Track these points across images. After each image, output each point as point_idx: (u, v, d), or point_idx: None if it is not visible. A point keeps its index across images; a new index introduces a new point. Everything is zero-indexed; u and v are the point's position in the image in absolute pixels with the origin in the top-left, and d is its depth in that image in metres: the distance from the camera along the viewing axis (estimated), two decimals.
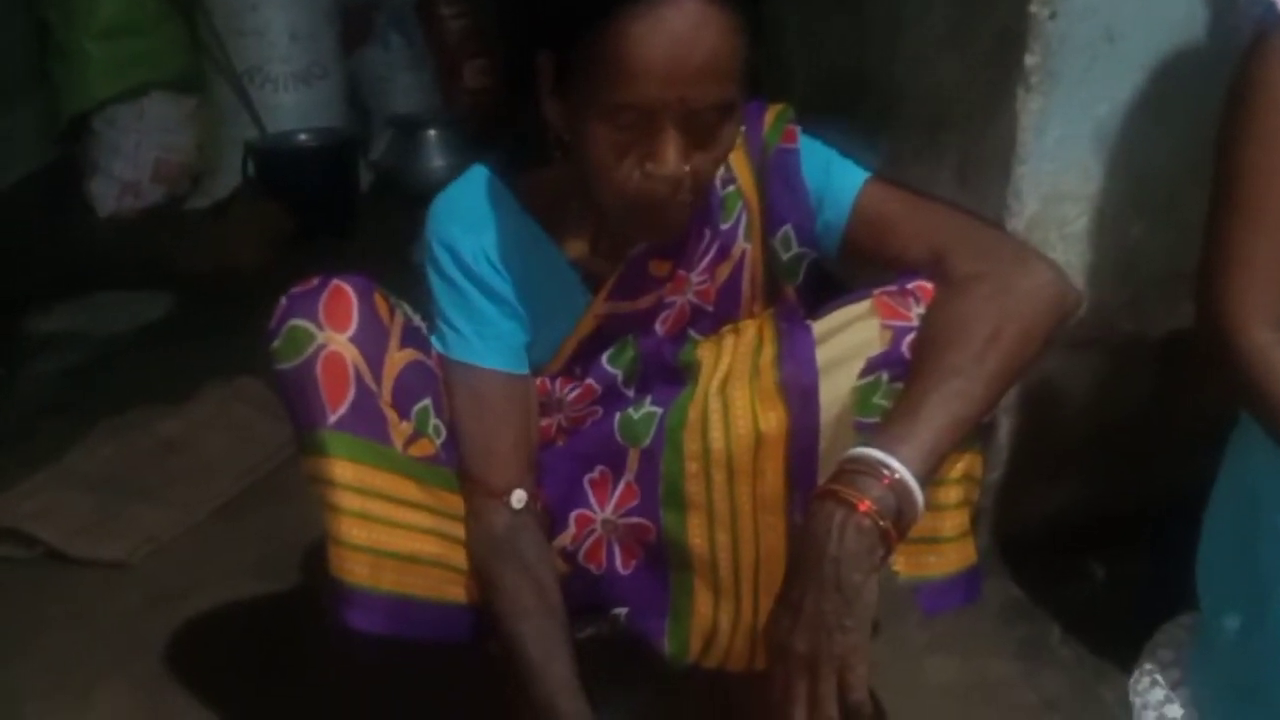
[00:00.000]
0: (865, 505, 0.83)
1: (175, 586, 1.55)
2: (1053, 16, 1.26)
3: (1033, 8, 1.26)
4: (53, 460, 1.85)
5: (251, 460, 1.81)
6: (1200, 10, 1.31)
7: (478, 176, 1.07)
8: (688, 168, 0.90)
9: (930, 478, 0.87)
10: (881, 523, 0.83)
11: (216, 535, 1.68)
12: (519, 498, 1.03)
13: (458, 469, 1.04)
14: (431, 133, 3.46)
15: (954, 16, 1.40)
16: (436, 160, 3.42)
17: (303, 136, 3.26)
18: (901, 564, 0.98)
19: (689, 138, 0.89)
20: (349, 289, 0.98)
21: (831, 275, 1.14)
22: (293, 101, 3.37)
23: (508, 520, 1.03)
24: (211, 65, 3.36)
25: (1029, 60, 1.28)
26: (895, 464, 0.84)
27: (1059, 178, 1.35)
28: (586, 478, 1.09)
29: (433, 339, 1.06)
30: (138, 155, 3.36)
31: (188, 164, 3.46)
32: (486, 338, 1.04)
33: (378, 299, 1.00)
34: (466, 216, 1.04)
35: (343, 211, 3.17)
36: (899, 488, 0.84)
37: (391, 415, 0.99)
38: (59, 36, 3.25)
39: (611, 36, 0.85)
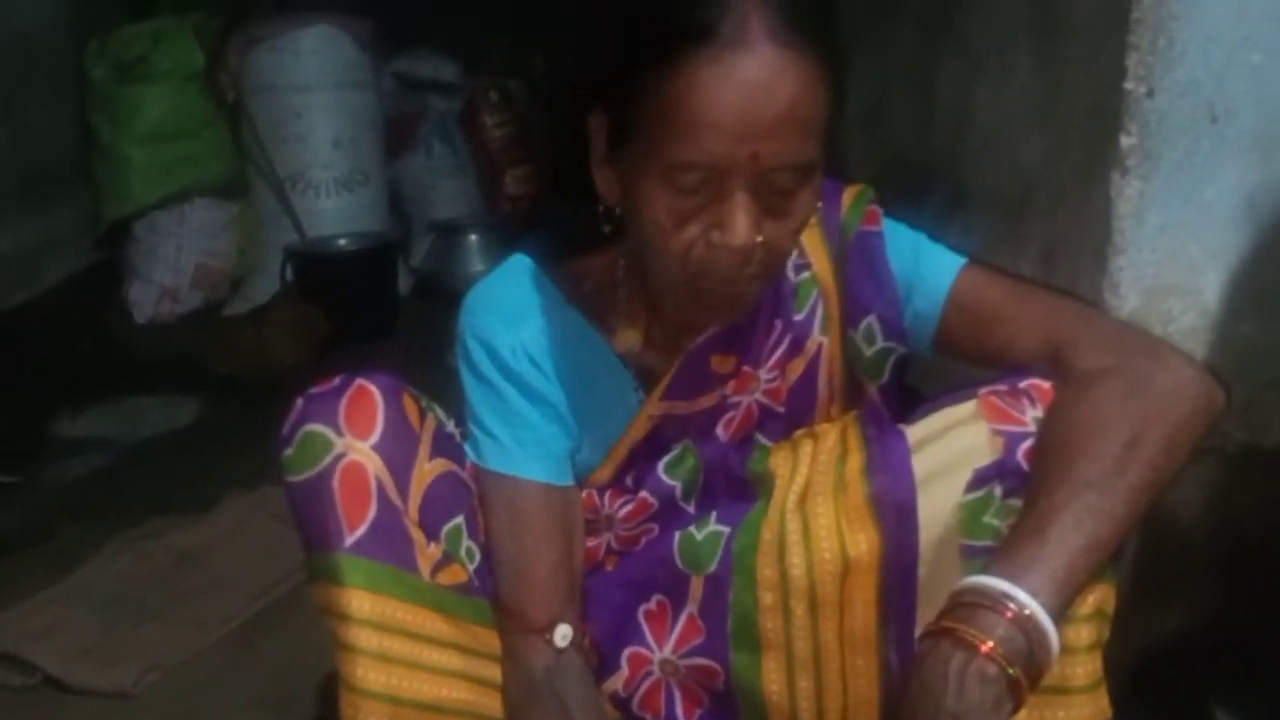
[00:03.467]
0: (989, 647, 0.69)
1: (179, 718, 1.40)
2: (1150, 94, 1.15)
3: (1128, 84, 1.15)
4: (65, 570, 1.74)
5: (270, 577, 1.67)
6: None
7: (516, 266, 0.96)
8: (760, 239, 0.78)
9: (1064, 612, 0.73)
10: (1010, 669, 0.68)
11: (227, 660, 1.53)
12: (563, 634, 0.89)
13: (493, 599, 0.91)
14: (473, 237, 3.43)
15: (1035, 94, 1.30)
16: (477, 265, 3.37)
17: (342, 241, 3.23)
18: (1023, 718, 0.80)
19: (761, 204, 0.77)
20: (374, 390, 0.87)
21: (911, 386, 1.01)
22: (334, 207, 3.36)
23: (548, 661, 0.89)
24: (254, 171, 3.36)
25: (1125, 141, 1.16)
26: (1023, 596, 0.70)
27: (1161, 269, 1.21)
28: (642, 609, 0.95)
29: (466, 447, 0.93)
30: (178, 261, 3.33)
31: (228, 269, 3.44)
32: (526, 444, 0.92)
33: (406, 401, 0.89)
34: (504, 309, 0.93)
35: (382, 316, 3.12)
36: (1028, 625, 0.70)
37: (418, 536, 0.86)
38: (103, 140, 3.26)
39: (675, 84, 0.74)
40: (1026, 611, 0.70)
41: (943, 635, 0.71)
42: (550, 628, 0.90)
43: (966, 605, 0.72)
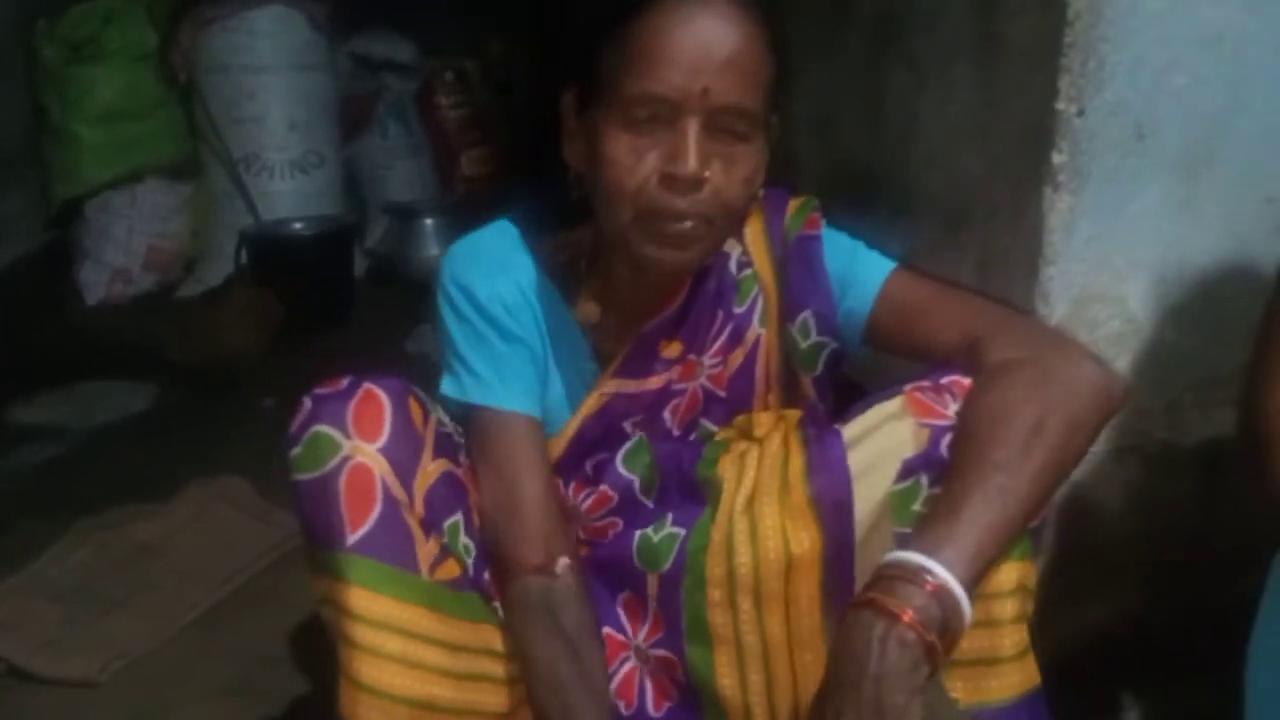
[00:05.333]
0: (908, 616, 0.75)
1: (144, 708, 1.43)
2: (1081, 114, 1.21)
3: (1060, 104, 1.21)
4: (22, 562, 1.74)
5: (232, 567, 1.70)
6: (1234, 107, 1.26)
7: (502, 228, 1.04)
8: (707, 174, 0.87)
9: (977, 584, 0.80)
10: (927, 636, 0.75)
11: (191, 650, 1.56)
12: (562, 566, 0.95)
13: (491, 552, 0.97)
14: (428, 221, 3.42)
15: (974, 111, 1.36)
16: (433, 248, 3.37)
17: (297, 224, 3.21)
18: (960, 689, 0.88)
19: (710, 143, 0.87)
20: (382, 394, 0.91)
21: (850, 381, 1.08)
22: (289, 189, 3.35)
23: (544, 584, 0.94)
24: (207, 152, 3.34)
25: (1056, 159, 1.23)
26: (938, 569, 0.77)
27: (1089, 279, 1.28)
28: (620, 596, 1.01)
29: (444, 384, 0.99)
30: (130, 242, 3.30)
31: (180, 251, 3.41)
32: (507, 379, 0.98)
33: (412, 404, 0.94)
34: (484, 262, 1.00)
35: (338, 300, 3.11)
36: (943, 595, 0.76)
37: (419, 534, 0.90)
38: (54, 120, 3.22)
39: (639, 32, 0.86)
40: (941, 583, 0.76)
41: (866, 605, 0.77)
42: (546, 562, 0.95)
43: (888, 578, 0.78)
